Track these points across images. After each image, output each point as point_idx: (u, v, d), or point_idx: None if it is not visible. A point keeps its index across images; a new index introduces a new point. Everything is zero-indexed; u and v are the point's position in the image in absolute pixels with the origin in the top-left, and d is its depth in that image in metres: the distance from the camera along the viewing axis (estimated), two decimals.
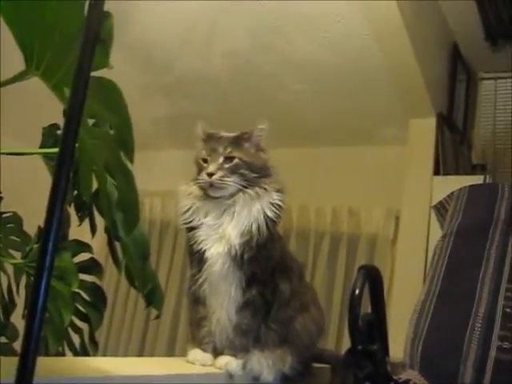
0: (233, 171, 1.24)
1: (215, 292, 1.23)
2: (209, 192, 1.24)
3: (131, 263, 1.42)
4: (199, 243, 1.22)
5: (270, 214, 1.23)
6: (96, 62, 0.54)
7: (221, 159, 1.25)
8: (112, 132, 0.94)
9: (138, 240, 1.40)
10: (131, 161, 0.90)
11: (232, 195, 1.23)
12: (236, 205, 1.23)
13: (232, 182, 1.23)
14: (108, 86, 0.79)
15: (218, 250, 1.20)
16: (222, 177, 1.23)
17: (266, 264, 1.25)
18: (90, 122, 0.96)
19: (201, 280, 1.23)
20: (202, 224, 1.23)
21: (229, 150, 1.26)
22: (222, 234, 1.21)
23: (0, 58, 2.17)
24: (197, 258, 1.24)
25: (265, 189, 1.25)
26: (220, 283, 1.22)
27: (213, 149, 1.27)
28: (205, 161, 1.27)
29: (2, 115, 2.74)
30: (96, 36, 0.50)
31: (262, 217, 1.22)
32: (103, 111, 0.83)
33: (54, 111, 1.57)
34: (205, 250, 1.22)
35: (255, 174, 1.26)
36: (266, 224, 1.22)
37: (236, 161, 1.25)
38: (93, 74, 0.55)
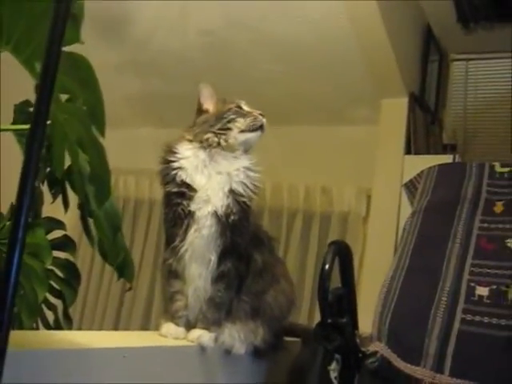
0: None
1: (196, 260, 1.25)
2: (248, 136, 1.30)
3: (104, 236, 1.42)
4: (192, 204, 1.23)
5: (254, 175, 1.30)
6: (67, 36, 0.54)
7: None
8: (84, 107, 0.94)
9: (109, 212, 1.41)
10: (103, 135, 0.90)
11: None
12: (234, 164, 1.28)
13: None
14: (79, 61, 0.79)
15: (208, 209, 1.23)
16: None
17: (245, 232, 1.28)
18: (63, 97, 0.96)
19: (183, 249, 1.24)
20: (194, 184, 1.25)
21: None
22: (212, 195, 1.24)
23: None
24: (185, 224, 1.24)
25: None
26: (202, 249, 1.24)
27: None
28: (240, 108, 1.33)
29: None
30: (67, 10, 0.51)
31: (251, 180, 1.28)
32: (75, 86, 0.83)
33: (24, 89, 1.56)
34: (194, 212, 1.23)
35: None
36: (251, 187, 1.27)
37: None
38: (64, 48, 0.55)
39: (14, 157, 1.65)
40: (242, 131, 1.29)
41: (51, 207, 1.61)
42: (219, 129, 1.28)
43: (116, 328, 4.17)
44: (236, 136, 1.28)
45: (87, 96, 0.86)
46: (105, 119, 0.87)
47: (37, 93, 0.58)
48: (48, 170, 1.60)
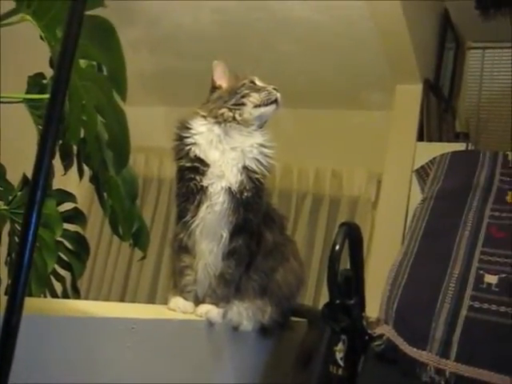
0: None
1: (206, 236, 1.25)
2: (263, 110, 1.30)
3: (118, 205, 1.42)
4: (204, 179, 1.23)
5: (267, 152, 1.29)
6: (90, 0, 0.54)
7: None
8: (105, 71, 0.94)
9: (127, 179, 1.41)
10: (123, 99, 0.90)
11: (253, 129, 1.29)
12: (248, 140, 1.27)
13: None
14: (102, 24, 0.78)
15: (221, 185, 1.22)
16: None
17: (258, 209, 1.28)
18: (82, 62, 0.95)
19: (194, 225, 1.24)
20: (208, 159, 1.24)
21: None
22: (225, 170, 1.24)
23: None
24: (197, 199, 1.24)
25: None
26: (214, 225, 1.24)
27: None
28: (254, 83, 1.33)
29: None
30: None
31: (264, 156, 1.28)
32: (96, 50, 0.82)
33: (37, 63, 1.55)
34: (207, 187, 1.23)
35: None
36: (265, 164, 1.27)
37: None
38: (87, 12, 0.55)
39: (23, 128, 1.65)
40: (257, 106, 1.29)
41: (60, 181, 1.61)
42: (234, 104, 1.28)
43: (122, 301, 4.20)
44: (251, 111, 1.28)
45: (109, 59, 0.85)
46: (126, 84, 0.86)
47: (55, 62, 0.58)
48: (60, 142, 1.59)
